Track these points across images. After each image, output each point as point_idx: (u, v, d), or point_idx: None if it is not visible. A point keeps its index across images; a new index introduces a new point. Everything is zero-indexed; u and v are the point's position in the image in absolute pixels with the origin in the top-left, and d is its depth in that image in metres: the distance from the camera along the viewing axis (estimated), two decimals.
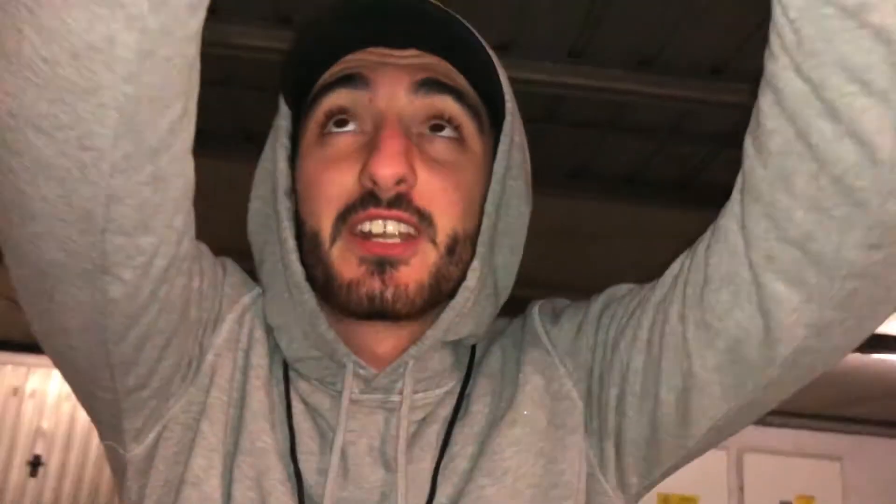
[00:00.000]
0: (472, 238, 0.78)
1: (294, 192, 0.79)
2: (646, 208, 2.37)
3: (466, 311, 0.78)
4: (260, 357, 0.80)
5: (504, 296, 0.86)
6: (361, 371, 0.76)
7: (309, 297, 0.76)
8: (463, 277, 0.77)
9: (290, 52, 0.77)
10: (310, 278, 0.76)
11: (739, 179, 0.62)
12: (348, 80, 0.75)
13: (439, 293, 0.75)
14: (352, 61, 0.76)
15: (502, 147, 0.80)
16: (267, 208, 0.82)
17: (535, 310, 0.89)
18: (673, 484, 5.36)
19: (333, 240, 0.73)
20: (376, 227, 0.71)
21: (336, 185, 0.73)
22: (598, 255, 3.16)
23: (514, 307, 0.91)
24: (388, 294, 0.70)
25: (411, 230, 0.72)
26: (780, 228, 0.58)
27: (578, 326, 0.83)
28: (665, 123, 2.00)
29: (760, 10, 0.59)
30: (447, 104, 0.75)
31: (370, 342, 0.77)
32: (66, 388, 6.69)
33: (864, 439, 7.41)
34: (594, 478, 0.80)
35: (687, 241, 0.69)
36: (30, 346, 6.92)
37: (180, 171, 0.61)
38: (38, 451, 6.91)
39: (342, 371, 0.77)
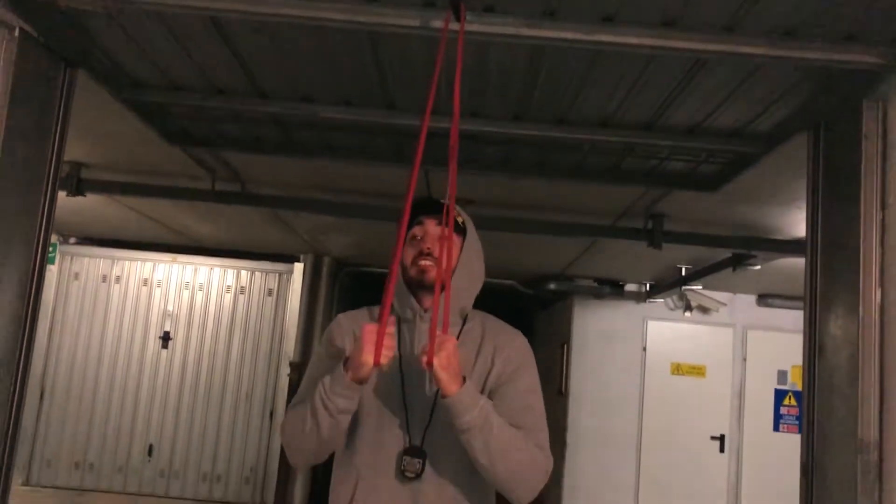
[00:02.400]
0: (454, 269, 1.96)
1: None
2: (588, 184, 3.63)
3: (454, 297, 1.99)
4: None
5: (470, 299, 2.08)
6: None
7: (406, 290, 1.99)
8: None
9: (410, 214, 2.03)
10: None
11: None
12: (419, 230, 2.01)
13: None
14: (421, 223, 2.02)
15: (466, 241, 2.06)
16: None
17: (522, 339, 2.09)
18: (684, 355, 7.19)
19: (410, 266, 1.97)
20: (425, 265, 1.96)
21: (411, 254, 1.99)
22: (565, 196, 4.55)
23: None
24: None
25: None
26: None
27: (510, 374, 1.99)
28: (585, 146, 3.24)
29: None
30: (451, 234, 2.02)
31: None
32: (184, 279, 8.38)
33: None
34: None
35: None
36: (153, 246, 8.51)
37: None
38: (167, 328, 8.60)
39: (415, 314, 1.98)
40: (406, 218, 1.92)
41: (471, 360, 1.97)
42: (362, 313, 2.11)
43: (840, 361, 2.38)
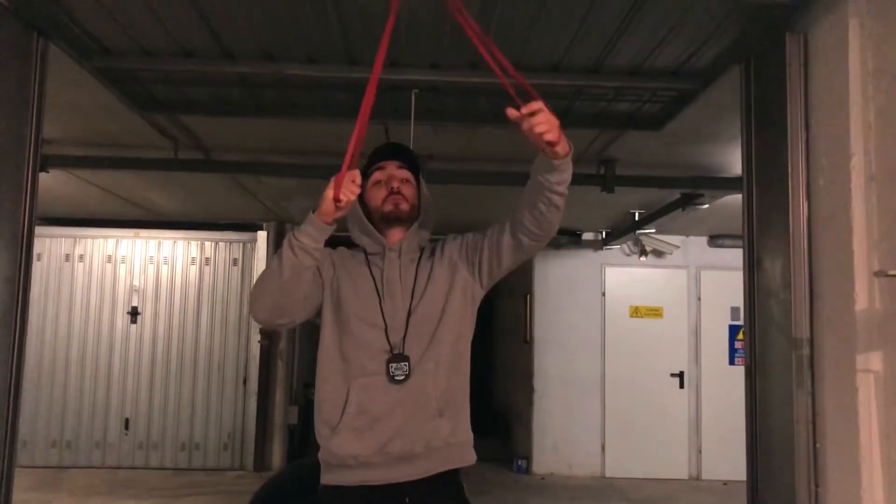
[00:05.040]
0: (418, 206, 2.24)
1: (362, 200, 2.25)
2: None
3: (414, 232, 2.23)
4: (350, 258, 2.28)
5: (427, 234, 2.29)
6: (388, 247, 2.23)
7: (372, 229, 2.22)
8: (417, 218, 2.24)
9: (369, 161, 2.26)
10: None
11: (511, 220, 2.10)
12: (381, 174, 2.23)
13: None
14: (382, 168, 2.24)
15: (421, 184, 2.27)
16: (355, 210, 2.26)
17: (448, 238, 2.33)
18: (642, 298, 7.55)
19: (382, 205, 2.19)
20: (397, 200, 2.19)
21: (380, 195, 2.21)
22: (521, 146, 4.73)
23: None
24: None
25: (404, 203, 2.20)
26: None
27: (459, 246, 2.26)
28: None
29: None
30: (409, 175, 2.23)
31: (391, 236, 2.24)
32: (148, 254, 8.45)
33: None
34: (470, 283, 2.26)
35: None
36: (115, 222, 8.52)
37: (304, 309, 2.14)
38: (135, 303, 8.65)
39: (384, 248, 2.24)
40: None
41: (440, 275, 2.22)
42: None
43: (775, 271, 2.64)
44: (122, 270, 8.67)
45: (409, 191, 2.23)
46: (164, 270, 8.69)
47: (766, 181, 2.73)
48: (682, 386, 8.77)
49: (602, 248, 8.87)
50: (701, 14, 2.71)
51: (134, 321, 8.63)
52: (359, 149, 1.99)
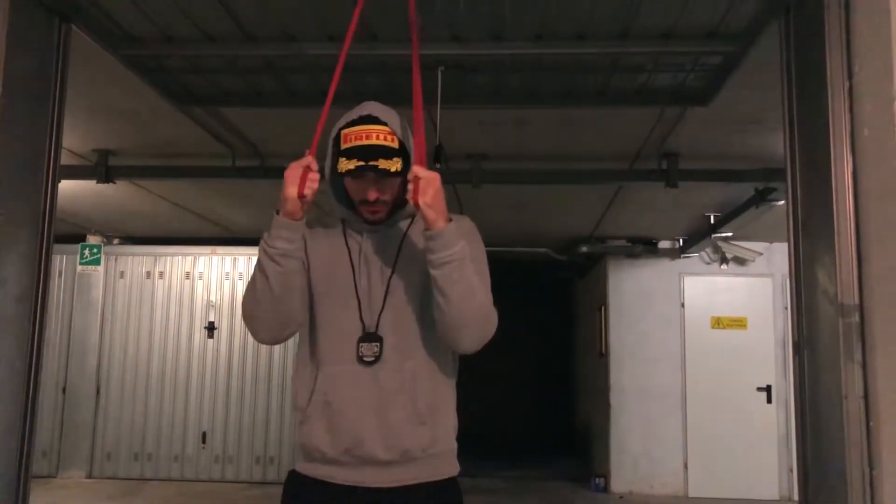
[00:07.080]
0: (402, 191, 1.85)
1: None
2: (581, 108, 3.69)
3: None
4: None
5: None
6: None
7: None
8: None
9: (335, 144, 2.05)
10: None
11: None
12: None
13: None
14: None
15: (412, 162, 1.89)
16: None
17: (468, 220, 2.08)
18: (724, 308, 7.13)
19: (358, 206, 1.90)
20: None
21: (357, 191, 1.89)
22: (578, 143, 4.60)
23: None
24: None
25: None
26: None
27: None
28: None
29: None
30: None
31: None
32: (223, 270, 8.52)
33: None
34: None
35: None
36: (192, 240, 8.76)
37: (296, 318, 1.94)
38: (212, 318, 8.84)
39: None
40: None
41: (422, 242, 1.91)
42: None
43: (820, 232, 2.40)
44: (200, 286, 8.88)
45: (387, 187, 1.90)
46: (240, 286, 8.85)
47: (808, 136, 2.50)
48: (769, 400, 8.28)
49: (679, 257, 8.52)
50: None
51: (211, 336, 8.81)
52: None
